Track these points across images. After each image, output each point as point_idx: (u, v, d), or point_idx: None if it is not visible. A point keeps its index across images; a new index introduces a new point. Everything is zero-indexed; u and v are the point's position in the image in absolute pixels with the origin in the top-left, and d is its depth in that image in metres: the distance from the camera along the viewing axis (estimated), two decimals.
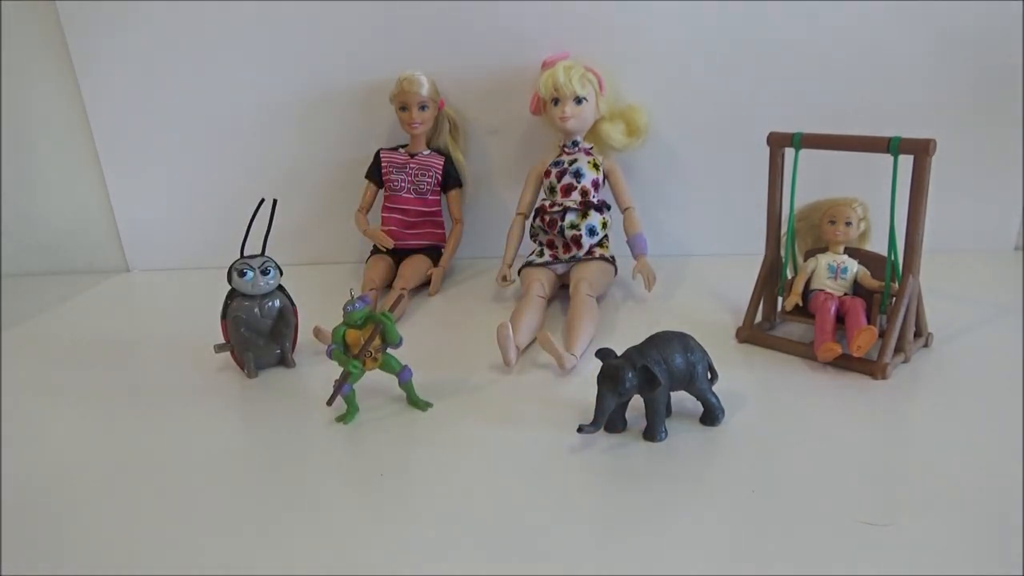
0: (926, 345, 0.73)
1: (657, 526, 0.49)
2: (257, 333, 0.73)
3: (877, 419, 0.61)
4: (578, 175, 0.90)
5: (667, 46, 0.98)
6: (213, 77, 1.03)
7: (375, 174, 1.00)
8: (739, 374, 0.69)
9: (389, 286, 0.95)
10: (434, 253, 1.00)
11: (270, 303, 0.73)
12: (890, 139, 0.65)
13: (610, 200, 0.93)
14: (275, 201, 0.74)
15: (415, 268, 0.95)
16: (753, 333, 0.76)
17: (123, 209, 1.11)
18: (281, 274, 0.74)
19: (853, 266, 0.73)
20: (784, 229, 0.76)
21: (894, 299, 0.69)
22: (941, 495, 0.50)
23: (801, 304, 0.74)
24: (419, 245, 1.00)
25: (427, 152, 0.99)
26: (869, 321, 0.70)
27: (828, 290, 0.73)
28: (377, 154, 1.00)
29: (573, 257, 0.90)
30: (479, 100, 1.02)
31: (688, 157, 1.03)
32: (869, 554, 0.45)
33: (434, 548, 0.48)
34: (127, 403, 0.69)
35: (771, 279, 0.78)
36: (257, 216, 0.73)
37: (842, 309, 0.71)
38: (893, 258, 0.69)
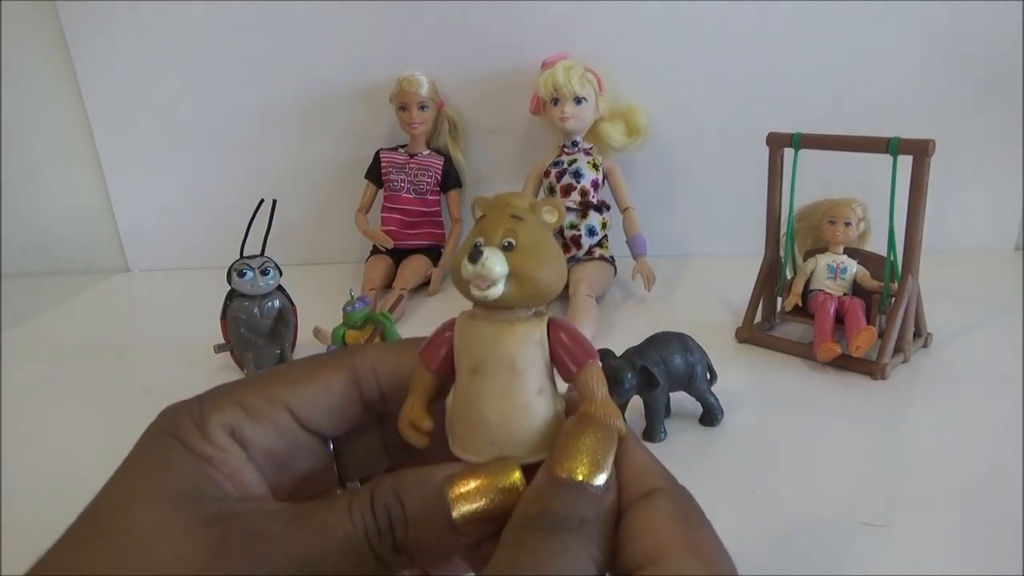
0: (925, 345, 0.73)
1: None
2: (257, 333, 0.73)
3: (876, 419, 0.61)
4: (577, 175, 0.90)
5: (667, 46, 0.98)
6: (213, 77, 1.03)
7: (375, 174, 1.00)
8: (739, 374, 0.69)
9: (389, 286, 0.95)
10: (434, 253, 1.00)
11: (270, 303, 0.73)
12: (889, 139, 0.65)
13: (610, 200, 0.93)
14: (275, 201, 0.74)
15: (415, 268, 0.95)
16: (753, 333, 0.76)
17: (123, 209, 1.11)
18: (281, 274, 0.74)
19: (853, 266, 0.73)
20: (784, 229, 0.76)
21: (893, 299, 0.69)
22: (941, 495, 0.50)
23: (801, 304, 0.74)
24: (419, 245, 1.00)
25: (427, 152, 0.99)
26: (869, 321, 0.70)
27: (828, 290, 0.73)
28: (377, 154, 1.00)
29: (572, 257, 0.90)
30: (479, 100, 1.02)
31: (688, 157, 1.03)
32: (869, 554, 0.45)
33: None
34: (127, 403, 0.69)
35: (771, 279, 0.78)
36: (257, 216, 0.73)
37: (842, 309, 0.71)
38: (892, 258, 0.69)
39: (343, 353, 0.26)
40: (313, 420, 0.24)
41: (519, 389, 0.22)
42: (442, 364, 0.24)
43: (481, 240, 0.22)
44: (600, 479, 0.21)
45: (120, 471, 0.22)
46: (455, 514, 0.21)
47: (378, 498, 0.22)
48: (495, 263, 0.22)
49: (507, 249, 0.22)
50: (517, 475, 0.22)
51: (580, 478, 0.21)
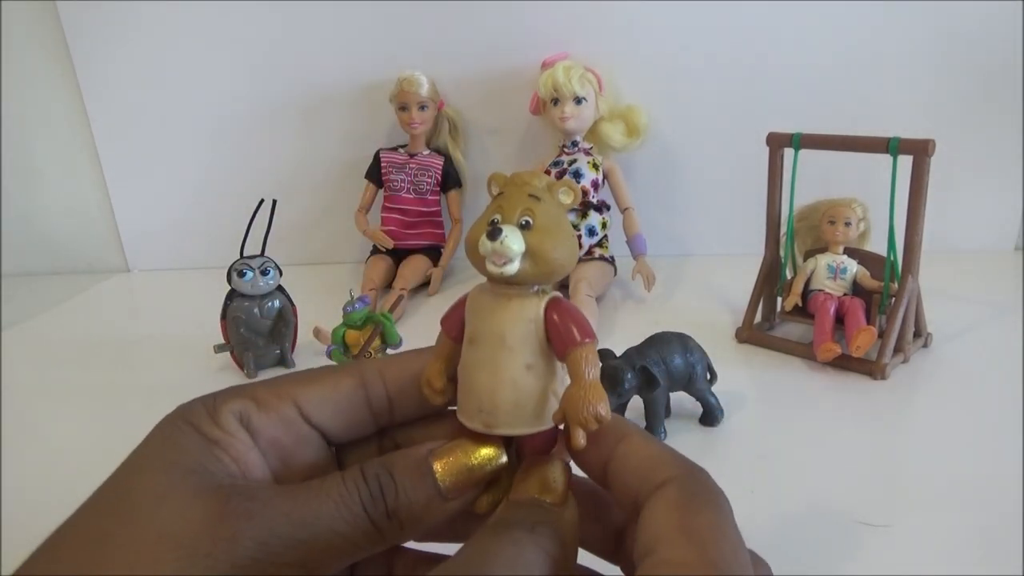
0: (925, 345, 0.73)
1: None
2: (257, 333, 0.73)
3: (876, 419, 0.61)
4: (577, 175, 0.90)
5: (667, 46, 0.98)
6: (213, 77, 1.03)
7: (375, 174, 1.00)
8: (739, 374, 0.69)
9: (389, 286, 0.95)
10: (434, 253, 1.00)
11: (270, 303, 0.73)
12: (889, 139, 0.65)
13: (610, 200, 0.93)
14: (275, 201, 0.74)
15: (415, 268, 0.95)
16: (753, 333, 0.76)
17: (123, 209, 1.11)
18: (281, 274, 0.74)
19: (852, 266, 0.73)
20: (784, 229, 0.76)
21: (893, 299, 0.69)
22: (941, 495, 0.51)
23: (801, 304, 0.74)
24: (419, 245, 1.00)
25: (427, 152, 0.99)
26: (869, 321, 0.70)
27: (827, 290, 0.73)
28: (377, 154, 1.00)
29: None
30: (479, 100, 1.02)
31: (688, 157, 1.03)
32: (869, 554, 0.45)
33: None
34: (127, 403, 0.69)
35: (771, 279, 0.78)
36: (257, 216, 0.73)
37: (841, 309, 0.71)
38: (892, 258, 0.69)
39: (354, 362, 0.28)
40: (318, 415, 0.26)
41: (506, 363, 0.23)
42: (458, 331, 0.25)
43: (499, 217, 0.23)
44: (553, 499, 0.23)
45: (132, 453, 0.24)
46: (440, 480, 0.23)
47: (368, 469, 0.24)
48: (513, 241, 0.22)
49: (524, 228, 0.23)
50: (494, 448, 0.24)
51: (535, 496, 0.23)
